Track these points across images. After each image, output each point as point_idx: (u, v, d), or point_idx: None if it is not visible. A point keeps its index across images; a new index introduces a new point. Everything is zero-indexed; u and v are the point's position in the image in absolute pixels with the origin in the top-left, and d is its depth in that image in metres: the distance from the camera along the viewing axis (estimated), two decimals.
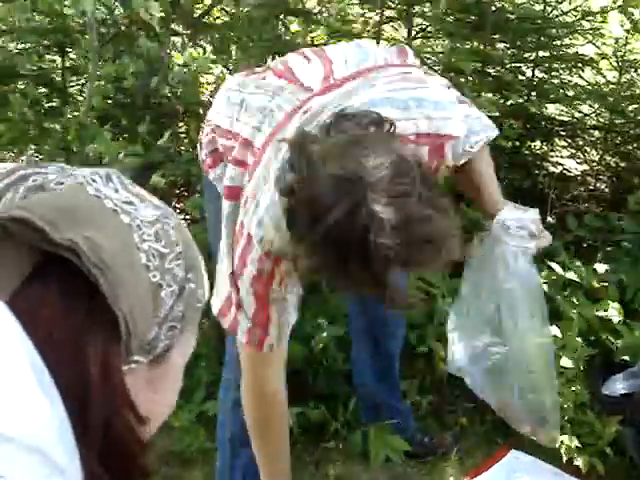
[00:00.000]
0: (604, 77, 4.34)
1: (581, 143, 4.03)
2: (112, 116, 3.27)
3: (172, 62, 3.24)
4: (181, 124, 3.66)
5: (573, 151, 4.10)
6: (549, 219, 3.41)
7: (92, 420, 0.61)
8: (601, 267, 3.08)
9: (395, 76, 1.61)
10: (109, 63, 3.28)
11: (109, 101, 3.38)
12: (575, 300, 2.86)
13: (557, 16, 4.15)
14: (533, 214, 1.78)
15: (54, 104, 3.68)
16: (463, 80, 3.63)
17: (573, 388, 2.56)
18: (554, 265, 2.95)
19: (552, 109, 4.13)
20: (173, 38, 3.53)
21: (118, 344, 0.64)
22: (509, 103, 3.74)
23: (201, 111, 3.43)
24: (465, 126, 1.65)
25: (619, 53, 4.32)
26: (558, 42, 4.05)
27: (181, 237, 0.72)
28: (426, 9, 3.80)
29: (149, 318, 0.67)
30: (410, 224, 1.19)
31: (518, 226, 1.71)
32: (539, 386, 1.75)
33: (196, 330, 0.77)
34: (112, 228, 0.65)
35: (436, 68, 3.99)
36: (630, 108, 4.04)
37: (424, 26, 3.97)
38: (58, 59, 3.67)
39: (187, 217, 3.23)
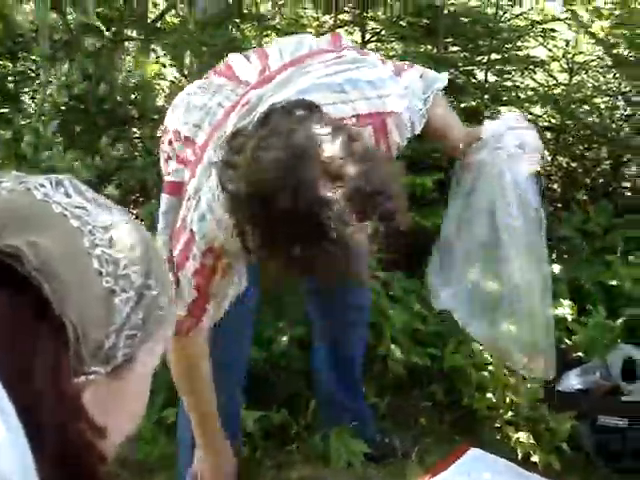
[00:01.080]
0: (555, 79, 4.42)
1: None
2: (65, 123, 3.23)
3: (125, 67, 3.21)
4: (135, 130, 3.63)
5: None
6: None
7: (45, 432, 0.59)
8: (553, 266, 3.13)
9: (329, 61, 1.65)
10: (60, 69, 3.24)
11: (62, 107, 3.34)
12: None
13: (509, 19, 4.23)
14: (514, 120, 1.68)
15: (5, 110, 3.62)
16: None
17: (528, 385, 2.60)
18: None
19: (505, 112, 4.18)
20: (126, 43, 3.50)
21: (68, 352, 0.62)
22: (462, 106, 3.77)
23: (156, 117, 3.42)
24: (405, 100, 1.68)
25: (569, 55, 4.41)
26: (510, 45, 4.11)
27: (140, 243, 0.71)
28: (380, 13, 3.82)
29: (102, 325, 0.65)
30: (351, 183, 1.25)
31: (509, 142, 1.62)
32: (534, 319, 1.64)
33: (162, 339, 0.75)
34: (60, 233, 0.64)
35: None
36: (580, 110, 4.12)
37: (378, 29, 4.01)
38: (9, 64, 3.62)
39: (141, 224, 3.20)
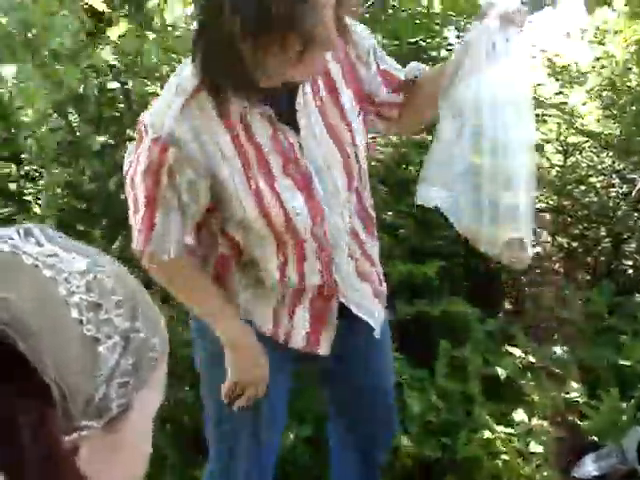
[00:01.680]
0: (549, 160, 4.49)
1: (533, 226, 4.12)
2: (67, 223, 3.27)
3: None
4: None
5: None
6: (507, 306, 3.47)
7: None
8: (560, 349, 3.12)
9: None
10: (65, 167, 3.30)
11: (64, 208, 3.38)
12: (538, 383, 2.88)
13: None
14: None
15: (10, 210, 3.66)
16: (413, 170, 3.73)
17: (545, 473, 2.55)
18: (513, 349, 2.98)
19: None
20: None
21: (54, 410, 0.57)
22: None
23: None
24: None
25: (562, 137, 4.50)
26: None
27: (121, 284, 0.66)
28: None
29: (88, 377, 0.60)
30: None
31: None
32: (516, 193, 1.50)
33: (159, 385, 0.71)
34: (32, 285, 0.60)
35: (386, 160, 4.10)
36: (577, 190, 4.17)
37: None
38: (13, 166, 3.68)
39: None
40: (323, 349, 1.78)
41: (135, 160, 1.51)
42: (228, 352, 1.68)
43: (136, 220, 1.57)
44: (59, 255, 0.63)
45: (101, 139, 3.12)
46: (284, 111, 1.53)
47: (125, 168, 1.57)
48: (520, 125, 1.47)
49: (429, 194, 1.55)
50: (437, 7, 3.48)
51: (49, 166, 3.06)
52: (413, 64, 1.75)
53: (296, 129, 1.54)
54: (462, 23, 3.79)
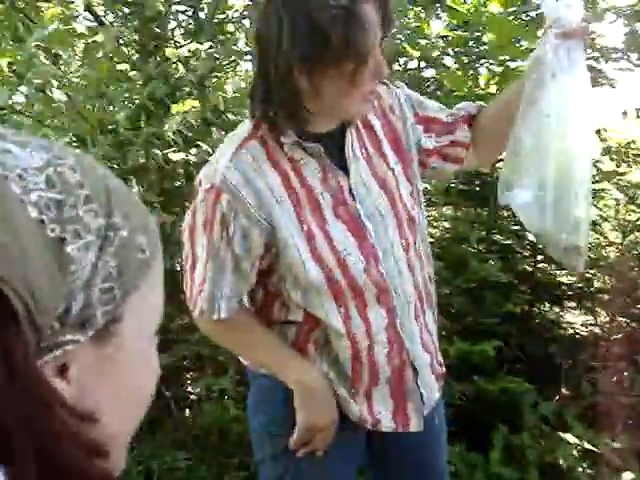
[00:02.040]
0: (607, 239, 4.43)
1: (590, 305, 4.05)
2: None
3: None
4: None
5: (583, 315, 4.11)
6: (563, 391, 3.37)
7: (12, 431, 0.48)
8: (619, 436, 3.01)
9: None
10: None
11: None
12: (597, 472, 2.78)
13: None
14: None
15: None
16: (466, 247, 3.72)
17: None
18: (569, 437, 2.88)
19: (559, 272, 4.18)
20: None
21: (18, 324, 0.49)
22: (517, 269, 3.78)
23: None
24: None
25: (620, 215, 4.44)
26: None
27: (90, 177, 0.58)
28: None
29: (58, 283, 0.52)
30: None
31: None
32: (579, 202, 1.55)
33: (153, 294, 0.62)
34: None
35: (442, 236, 4.10)
36: (636, 270, 4.09)
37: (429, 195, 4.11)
38: None
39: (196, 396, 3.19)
40: (414, 426, 1.71)
41: (191, 214, 1.52)
42: (299, 396, 1.61)
43: (189, 275, 1.57)
44: (11, 151, 0.54)
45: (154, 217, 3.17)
46: (334, 156, 1.56)
47: (184, 223, 1.59)
48: (584, 136, 1.53)
49: (508, 196, 1.59)
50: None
51: None
52: (465, 103, 1.79)
53: (346, 173, 1.56)
54: None
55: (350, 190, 1.56)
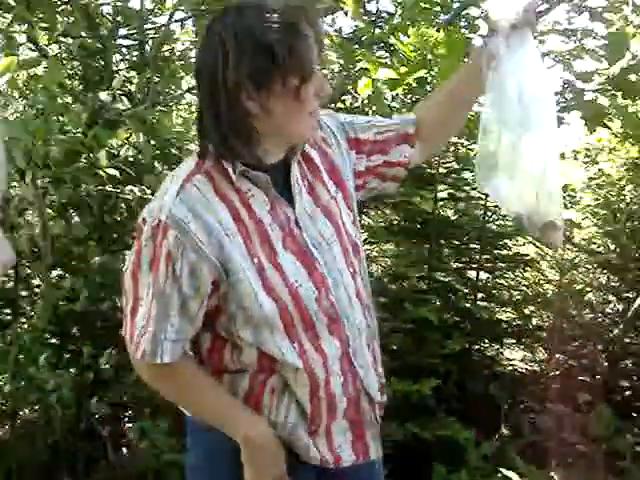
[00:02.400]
0: (545, 277, 4.52)
1: (529, 343, 4.11)
2: (61, 329, 3.25)
3: None
4: None
5: (523, 352, 4.17)
6: (503, 430, 3.41)
7: None
8: (559, 473, 3.05)
9: None
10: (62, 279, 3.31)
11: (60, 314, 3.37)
12: None
13: (496, 219, 4.38)
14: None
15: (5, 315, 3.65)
16: (407, 286, 3.76)
17: None
18: (510, 474, 2.90)
19: (498, 309, 4.24)
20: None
21: None
22: (457, 307, 3.83)
23: None
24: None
25: (557, 253, 4.53)
26: (500, 243, 4.23)
27: None
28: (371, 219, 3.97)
29: None
30: None
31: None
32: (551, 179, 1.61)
33: None
34: None
35: (383, 273, 4.13)
36: (573, 308, 4.18)
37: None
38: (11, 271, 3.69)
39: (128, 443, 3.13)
40: (373, 452, 1.68)
41: (135, 254, 1.48)
42: (249, 453, 1.54)
43: (129, 318, 1.51)
44: None
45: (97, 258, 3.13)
46: (280, 187, 1.55)
47: (125, 266, 1.54)
48: (546, 114, 1.60)
49: (485, 183, 1.66)
50: None
51: (46, 275, 3.06)
52: (400, 118, 1.81)
53: (292, 204, 1.56)
54: None
55: (296, 221, 1.56)
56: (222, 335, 1.56)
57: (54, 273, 3.56)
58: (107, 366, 3.04)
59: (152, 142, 3.34)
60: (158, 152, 3.46)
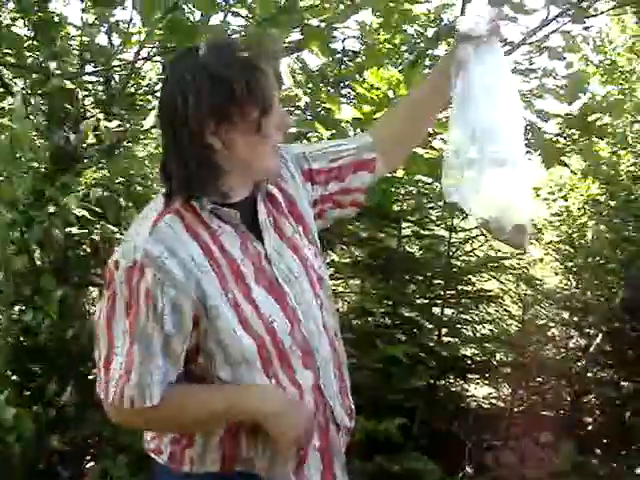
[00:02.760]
0: (507, 312, 4.56)
1: (493, 378, 4.14)
2: (19, 364, 3.20)
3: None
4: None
5: (487, 388, 4.19)
6: (467, 469, 3.41)
7: None
8: None
9: None
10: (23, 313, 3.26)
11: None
12: None
13: (460, 256, 4.43)
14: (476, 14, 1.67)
15: None
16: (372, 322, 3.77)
17: None
18: None
19: (462, 345, 4.26)
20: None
21: None
22: (422, 343, 3.84)
23: None
24: None
25: (521, 291, 4.59)
26: (464, 279, 4.27)
27: None
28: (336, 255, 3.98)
29: None
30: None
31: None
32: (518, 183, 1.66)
33: None
34: None
35: (348, 309, 4.14)
36: (536, 343, 4.22)
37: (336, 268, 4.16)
38: None
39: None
40: None
41: (108, 300, 1.44)
42: (269, 426, 1.51)
43: (102, 367, 1.46)
44: None
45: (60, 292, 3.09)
46: (248, 224, 1.56)
47: (97, 313, 1.48)
48: (511, 113, 1.65)
49: (451, 191, 1.68)
50: None
51: (6, 310, 3.01)
52: (356, 141, 1.82)
53: (260, 239, 1.57)
54: None
55: (266, 256, 1.57)
56: (199, 375, 1.52)
57: (16, 308, 3.51)
58: (68, 402, 2.99)
59: (119, 179, 3.33)
60: (122, 187, 3.44)
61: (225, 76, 1.40)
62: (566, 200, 5.34)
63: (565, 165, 4.52)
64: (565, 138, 4.23)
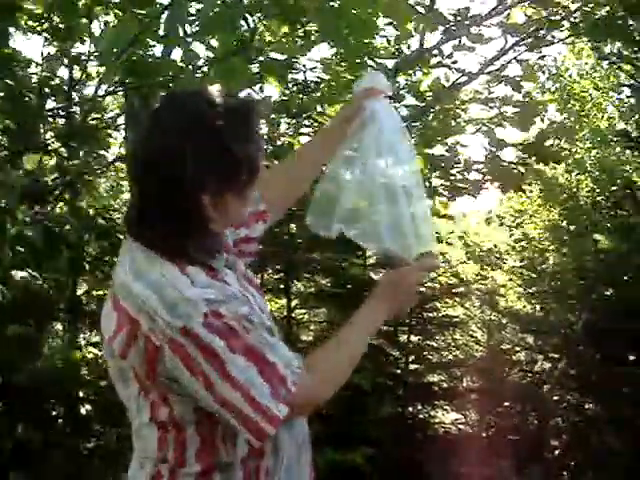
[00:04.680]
0: (473, 337, 4.61)
1: (460, 405, 4.15)
2: None
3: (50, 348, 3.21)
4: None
5: (454, 414, 4.21)
6: None
7: None
8: None
9: None
10: None
11: None
12: None
13: (425, 282, 4.46)
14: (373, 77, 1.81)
15: None
16: None
17: None
18: None
19: (429, 372, 4.28)
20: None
21: None
22: (388, 371, 3.86)
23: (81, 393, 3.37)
24: None
25: (486, 316, 4.64)
26: (429, 306, 4.30)
27: None
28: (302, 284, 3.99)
29: None
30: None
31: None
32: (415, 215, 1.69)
33: None
34: None
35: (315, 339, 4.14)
36: (501, 368, 4.25)
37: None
38: None
39: None
40: None
41: (210, 363, 1.33)
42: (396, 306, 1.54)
43: (252, 399, 1.35)
44: None
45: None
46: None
47: (201, 380, 1.34)
48: (405, 158, 1.76)
49: (349, 227, 1.69)
50: None
51: None
52: None
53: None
54: None
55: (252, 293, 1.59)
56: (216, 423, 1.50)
57: None
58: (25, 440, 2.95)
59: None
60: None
61: (227, 143, 1.36)
62: (523, 227, 5.43)
63: (522, 191, 4.61)
64: (523, 165, 4.31)
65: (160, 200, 1.40)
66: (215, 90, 1.43)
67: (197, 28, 2.98)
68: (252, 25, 3.10)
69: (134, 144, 1.51)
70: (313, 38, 3.29)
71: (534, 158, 4.35)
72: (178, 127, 1.37)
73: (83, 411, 3.46)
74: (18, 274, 2.89)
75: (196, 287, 1.35)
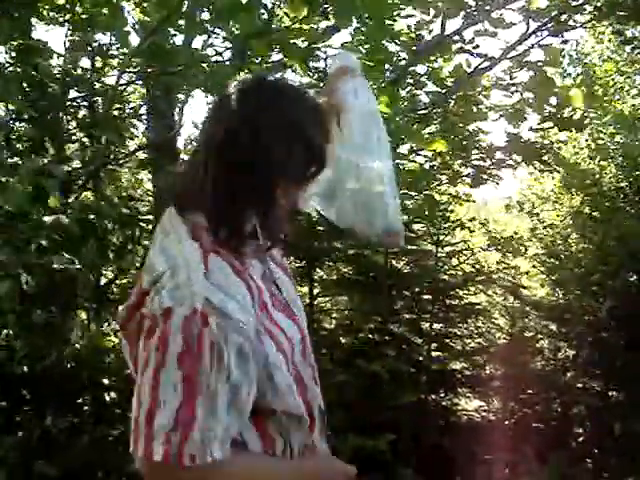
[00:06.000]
0: (497, 326, 4.58)
1: (483, 392, 4.14)
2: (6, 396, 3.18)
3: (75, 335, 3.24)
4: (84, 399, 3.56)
5: (477, 401, 4.20)
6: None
7: None
8: None
9: None
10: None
11: None
12: None
13: (447, 270, 4.45)
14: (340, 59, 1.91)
15: None
16: (363, 336, 3.77)
17: None
18: None
19: (452, 361, 4.27)
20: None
21: None
22: (412, 358, 3.85)
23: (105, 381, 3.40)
24: None
25: (508, 304, 4.61)
26: (451, 293, 4.29)
27: None
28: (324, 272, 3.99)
29: None
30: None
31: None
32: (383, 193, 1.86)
33: None
34: None
35: (337, 326, 4.14)
36: (524, 355, 4.23)
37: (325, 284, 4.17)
38: None
39: None
40: None
41: (157, 350, 1.30)
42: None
43: (146, 421, 1.29)
44: None
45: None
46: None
47: (140, 363, 1.32)
48: (380, 139, 1.88)
49: (325, 208, 1.85)
50: None
51: None
52: None
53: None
54: None
55: (274, 281, 1.58)
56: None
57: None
58: (51, 428, 2.97)
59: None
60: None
61: (314, 141, 1.42)
62: (544, 214, 5.39)
63: (547, 165, 4.57)
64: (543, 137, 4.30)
65: (223, 184, 1.41)
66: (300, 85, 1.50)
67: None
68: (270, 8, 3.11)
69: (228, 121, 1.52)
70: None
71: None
72: (266, 123, 1.40)
73: (108, 398, 3.51)
74: (55, 259, 2.90)
75: (207, 280, 1.34)
